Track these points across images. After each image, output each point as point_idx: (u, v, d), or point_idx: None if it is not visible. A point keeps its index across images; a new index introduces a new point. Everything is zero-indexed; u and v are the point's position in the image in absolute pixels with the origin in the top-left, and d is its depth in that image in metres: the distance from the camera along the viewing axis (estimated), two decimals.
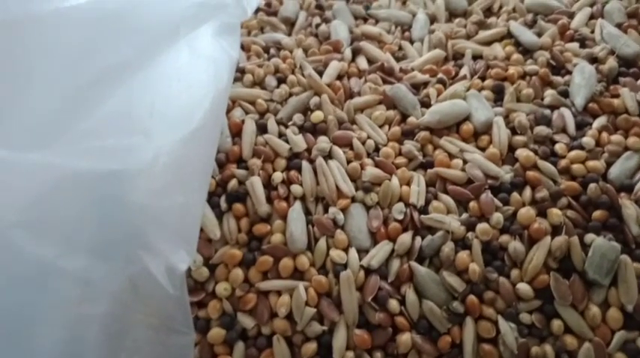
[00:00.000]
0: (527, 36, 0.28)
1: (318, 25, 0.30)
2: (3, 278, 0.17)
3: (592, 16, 0.30)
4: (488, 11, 0.31)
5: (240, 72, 0.27)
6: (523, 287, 0.21)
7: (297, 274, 0.23)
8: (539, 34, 0.29)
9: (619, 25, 0.29)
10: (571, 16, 0.30)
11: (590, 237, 0.22)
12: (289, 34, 0.30)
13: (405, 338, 0.22)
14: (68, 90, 0.20)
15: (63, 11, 0.22)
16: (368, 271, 0.22)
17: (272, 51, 0.29)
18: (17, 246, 0.17)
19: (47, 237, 0.18)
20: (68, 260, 0.18)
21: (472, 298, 0.22)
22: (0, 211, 0.17)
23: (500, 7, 0.31)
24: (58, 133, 0.19)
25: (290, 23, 0.31)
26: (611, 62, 0.27)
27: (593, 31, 0.29)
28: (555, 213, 0.22)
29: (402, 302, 0.22)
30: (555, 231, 0.22)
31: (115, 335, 0.19)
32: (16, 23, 0.21)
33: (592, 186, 0.23)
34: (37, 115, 0.19)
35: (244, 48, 0.29)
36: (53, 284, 0.17)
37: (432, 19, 0.30)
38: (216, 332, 0.22)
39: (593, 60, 0.27)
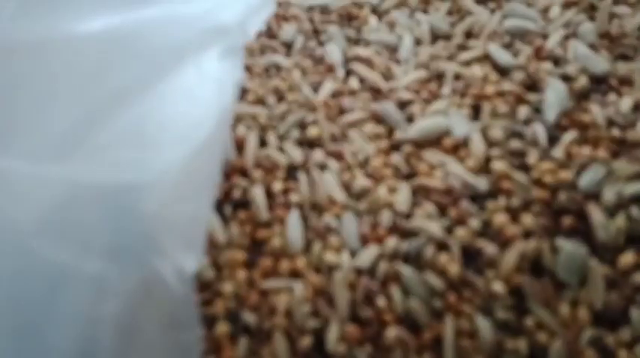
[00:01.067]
0: (504, 57, 0.29)
1: (314, 49, 0.31)
2: (23, 282, 0.17)
3: (566, 37, 0.30)
4: (469, 33, 0.32)
5: (243, 91, 0.28)
6: (498, 286, 0.22)
7: (295, 274, 0.23)
8: (516, 55, 0.29)
9: (591, 45, 0.29)
10: (546, 37, 0.30)
11: (560, 241, 0.22)
12: (288, 56, 0.31)
13: (392, 332, 0.22)
14: (84, 108, 0.21)
15: (80, 36, 0.23)
16: (358, 271, 0.23)
17: (272, 72, 0.30)
18: (37, 252, 0.18)
19: (65, 243, 0.18)
20: (84, 264, 0.19)
21: (452, 296, 0.22)
22: (22, 220, 0.17)
23: (481, 30, 0.32)
24: (74, 148, 0.20)
25: (289, 46, 0.32)
26: (582, 80, 0.27)
27: (566, 51, 0.30)
28: (527, 219, 0.23)
29: (389, 299, 0.23)
30: (527, 235, 0.23)
31: (127, 333, 0.19)
32: (38, 46, 0.21)
33: (562, 194, 0.23)
34: (55, 131, 0.20)
35: (247, 69, 0.30)
36: (70, 285, 0.18)
37: (418, 42, 0.31)
38: (222, 328, 0.23)
39: (566, 78, 0.28)
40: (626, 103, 0.26)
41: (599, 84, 0.27)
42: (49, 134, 0.19)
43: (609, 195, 0.23)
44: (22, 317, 0.17)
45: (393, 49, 0.31)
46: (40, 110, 0.20)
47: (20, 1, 0.20)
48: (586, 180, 0.24)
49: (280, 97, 0.28)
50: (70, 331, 0.18)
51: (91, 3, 0.23)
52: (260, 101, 0.28)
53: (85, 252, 0.18)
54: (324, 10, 0.34)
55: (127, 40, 0.23)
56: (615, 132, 0.25)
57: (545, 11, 0.32)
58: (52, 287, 0.18)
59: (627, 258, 0.22)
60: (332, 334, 0.22)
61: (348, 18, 0.34)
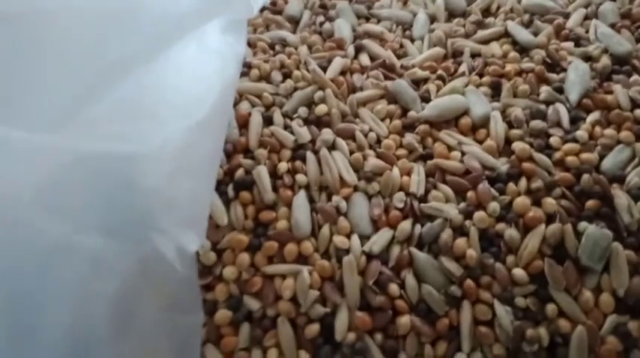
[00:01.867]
0: (523, 35, 0.29)
1: (322, 24, 0.31)
2: (20, 253, 0.17)
3: (587, 17, 0.30)
4: (486, 11, 0.31)
5: (247, 67, 0.28)
6: (518, 273, 0.22)
7: (302, 259, 0.23)
8: (536, 34, 0.29)
9: (612, 25, 0.29)
10: (567, 16, 0.30)
11: (583, 225, 0.22)
12: (294, 32, 0.31)
13: (405, 320, 0.22)
14: (83, 79, 0.21)
15: (76, 5, 0.22)
16: (369, 256, 0.23)
17: (277, 47, 0.29)
18: (33, 222, 0.17)
19: (61, 215, 0.18)
20: (80, 238, 0.18)
21: (469, 282, 0.22)
22: (18, 189, 0.17)
23: (498, 8, 0.31)
24: (73, 118, 0.19)
25: (295, 21, 0.32)
26: (605, 60, 0.27)
27: (587, 31, 0.29)
28: (549, 202, 0.23)
29: (402, 286, 0.22)
30: (550, 219, 0.22)
31: (124, 314, 0.19)
32: (34, 15, 0.21)
33: (585, 176, 0.23)
34: (52, 100, 0.19)
35: (250, 44, 0.30)
36: (66, 260, 0.18)
37: (432, 19, 0.31)
38: (223, 314, 0.22)
39: (588, 58, 0.28)
40: None
41: (622, 64, 0.27)
42: (47, 104, 0.19)
43: (634, 178, 0.23)
44: (15, 287, 0.17)
45: (406, 26, 0.31)
46: (39, 80, 0.19)
47: None
48: (610, 162, 0.24)
49: (286, 74, 0.28)
50: (64, 306, 0.17)
51: None
52: (265, 77, 0.28)
53: (80, 226, 0.18)
54: None
55: (127, 9, 0.22)
56: (639, 113, 0.25)
57: None
58: (46, 260, 0.17)
59: None
60: (341, 322, 0.22)
61: None
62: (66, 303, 0.18)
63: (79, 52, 0.21)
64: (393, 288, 0.22)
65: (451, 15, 0.31)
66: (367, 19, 0.32)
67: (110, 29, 0.23)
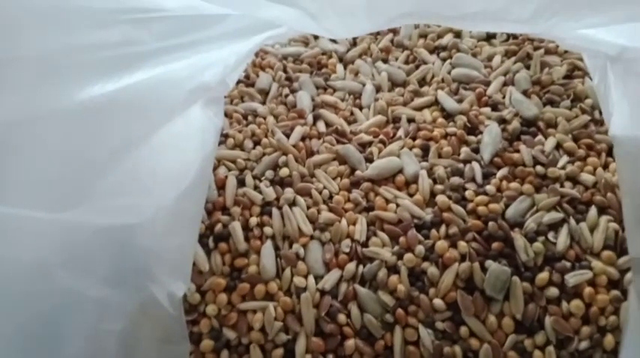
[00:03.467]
0: (449, 103, 0.35)
1: (287, 96, 0.37)
2: (45, 302, 0.23)
3: (505, 83, 0.37)
4: (422, 80, 0.38)
5: (224, 136, 0.34)
6: (438, 302, 0.28)
7: (268, 296, 0.29)
8: (460, 101, 0.35)
9: (524, 92, 0.36)
10: (488, 84, 0.37)
11: (488, 263, 0.28)
12: (264, 103, 0.37)
13: (350, 343, 0.28)
14: (89, 164, 0.27)
15: (82, 101, 0.29)
16: (322, 293, 0.29)
17: (249, 118, 0.36)
18: (55, 278, 0.23)
19: (78, 273, 0.24)
20: (93, 290, 0.24)
21: (400, 311, 0.28)
22: (46, 255, 0.23)
23: (433, 77, 0.38)
24: (83, 197, 0.25)
25: (265, 93, 0.38)
26: (515, 123, 0.34)
27: (504, 97, 0.36)
28: (462, 245, 0.29)
29: (348, 315, 0.28)
30: (462, 258, 0.29)
31: (128, 346, 0.25)
32: (50, 112, 0.27)
33: (491, 223, 0.29)
34: (67, 184, 0.25)
35: (227, 115, 0.36)
36: (82, 307, 0.24)
37: (378, 89, 0.37)
38: (207, 343, 0.28)
39: (502, 121, 0.34)
40: (549, 143, 0.32)
41: (529, 126, 0.34)
42: (62, 187, 0.25)
43: (531, 223, 0.29)
44: (39, 329, 0.23)
45: (356, 95, 0.37)
46: (54, 167, 0.25)
47: (36, 72, 0.26)
48: (512, 211, 0.30)
49: (256, 142, 0.34)
50: (80, 343, 0.23)
51: (89, 71, 0.29)
52: (239, 145, 0.34)
53: (92, 280, 0.24)
54: (297, 58, 0.41)
55: (124, 101, 0.28)
56: (539, 168, 0.31)
57: (489, 59, 0.38)
58: (65, 307, 0.23)
59: (543, 276, 0.28)
60: (300, 346, 0.28)
61: (318, 66, 0.40)
62: (81, 339, 0.24)
63: (85, 141, 0.27)
64: (341, 318, 0.28)
65: (394, 84, 0.38)
66: (325, 90, 0.38)
67: (110, 118, 0.29)
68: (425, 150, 0.33)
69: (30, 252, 0.23)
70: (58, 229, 0.24)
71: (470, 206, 0.30)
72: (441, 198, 0.30)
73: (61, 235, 0.24)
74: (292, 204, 0.31)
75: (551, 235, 0.29)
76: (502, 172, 0.31)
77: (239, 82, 0.39)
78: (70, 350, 0.24)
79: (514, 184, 0.31)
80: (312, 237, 0.30)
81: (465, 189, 0.31)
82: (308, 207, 0.31)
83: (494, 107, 0.35)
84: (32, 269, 0.23)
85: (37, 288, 0.23)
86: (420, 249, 0.29)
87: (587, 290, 0.28)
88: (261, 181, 0.32)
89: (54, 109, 0.27)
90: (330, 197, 0.32)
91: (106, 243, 0.25)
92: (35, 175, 0.25)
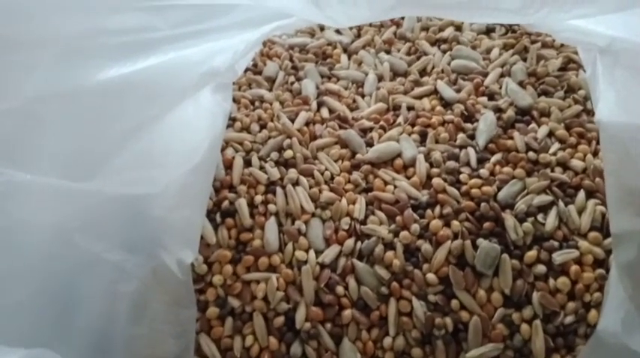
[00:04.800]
0: (448, 92, 0.37)
1: (292, 83, 0.39)
2: (65, 265, 0.25)
3: (502, 75, 0.38)
4: (423, 71, 0.40)
5: (232, 120, 0.36)
6: (431, 276, 0.30)
7: (271, 268, 0.31)
8: (459, 90, 0.37)
9: (520, 82, 0.37)
10: (485, 75, 0.38)
11: (479, 241, 0.30)
12: (270, 90, 0.39)
13: (347, 313, 0.30)
14: (108, 139, 0.29)
15: (101, 82, 0.31)
16: (322, 266, 0.31)
17: (257, 103, 0.38)
18: (76, 243, 0.25)
19: (95, 238, 0.26)
20: (109, 253, 0.26)
21: (395, 284, 0.30)
22: (69, 221, 0.25)
23: (433, 68, 0.40)
24: (102, 169, 0.27)
25: (272, 80, 0.40)
26: (510, 112, 0.35)
27: (501, 87, 0.38)
28: (456, 224, 0.31)
29: (346, 287, 0.30)
30: (455, 236, 0.30)
31: (139, 307, 0.27)
32: (71, 92, 0.29)
33: (483, 204, 0.31)
34: (88, 157, 0.28)
35: (235, 100, 0.38)
36: (98, 269, 0.26)
37: (380, 78, 0.39)
38: (212, 310, 0.30)
39: (498, 110, 0.36)
40: (542, 131, 0.34)
41: (524, 115, 0.35)
42: (82, 158, 0.27)
43: (521, 205, 0.31)
44: (60, 289, 0.25)
45: (359, 84, 0.39)
46: (74, 140, 0.28)
47: (59, 53, 0.28)
48: (504, 193, 0.32)
49: (262, 125, 0.36)
50: (96, 302, 0.25)
51: (108, 54, 0.31)
52: (246, 128, 0.36)
53: (109, 245, 0.26)
54: (303, 49, 0.43)
55: (139, 82, 0.31)
56: (531, 154, 0.33)
57: (487, 52, 0.40)
58: (83, 268, 0.25)
59: (532, 254, 0.30)
60: (300, 315, 0.30)
61: (323, 56, 0.42)
62: (97, 299, 0.26)
63: (104, 119, 0.30)
64: (339, 289, 0.30)
65: (395, 74, 0.40)
66: (329, 78, 0.40)
67: (126, 99, 0.31)
68: (423, 136, 0.35)
69: (51, 216, 0.26)
70: (77, 196, 0.26)
71: (464, 188, 0.32)
72: (436, 181, 0.32)
73: (79, 202, 0.26)
74: (295, 183, 0.33)
75: (540, 216, 0.31)
76: (496, 157, 0.33)
77: (247, 69, 0.41)
78: (86, 309, 0.26)
79: (507, 169, 0.33)
80: (313, 215, 0.32)
81: (460, 173, 0.33)
82: (310, 187, 0.33)
83: (491, 97, 0.37)
84: (53, 233, 0.25)
85: (57, 250, 0.25)
86: (415, 227, 0.31)
87: (574, 268, 0.29)
88: (266, 162, 0.34)
89: (75, 88, 0.29)
90: (332, 178, 0.34)
91: (121, 211, 0.27)
92: (57, 147, 0.27)
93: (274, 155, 0.34)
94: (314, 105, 0.37)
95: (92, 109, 0.28)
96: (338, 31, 0.44)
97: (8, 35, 0.30)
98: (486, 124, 0.34)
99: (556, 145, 0.33)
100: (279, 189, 0.33)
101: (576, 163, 0.32)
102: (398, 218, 0.31)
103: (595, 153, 0.33)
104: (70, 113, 0.28)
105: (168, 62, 0.33)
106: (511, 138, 0.34)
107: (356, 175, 0.33)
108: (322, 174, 0.34)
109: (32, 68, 0.29)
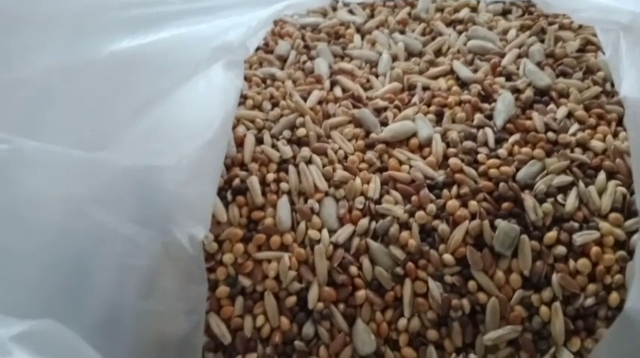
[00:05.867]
0: (464, 72, 0.36)
1: (304, 62, 0.38)
2: (79, 234, 0.25)
3: (519, 56, 0.38)
4: (438, 51, 0.39)
5: (244, 97, 0.36)
6: (447, 257, 0.29)
7: (283, 247, 0.30)
8: (475, 71, 0.37)
9: (538, 63, 0.37)
10: (502, 55, 0.38)
11: (498, 221, 0.30)
12: (282, 69, 0.39)
13: (361, 293, 0.29)
14: (121, 111, 0.29)
15: (115, 54, 0.30)
16: (335, 245, 0.30)
17: (268, 82, 0.37)
18: (88, 214, 0.25)
19: (108, 210, 0.26)
20: (122, 227, 0.26)
21: (410, 264, 0.29)
22: (81, 191, 0.25)
23: (449, 48, 0.39)
24: (115, 140, 0.27)
25: (283, 60, 0.39)
26: (528, 92, 0.35)
27: (518, 68, 0.37)
28: (473, 204, 0.30)
29: (360, 267, 0.30)
30: (473, 217, 0.30)
31: (150, 281, 0.26)
32: (87, 63, 0.29)
33: (502, 184, 0.30)
34: (101, 128, 0.27)
35: (247, 79, 0.37)
36: (111, 242, 0.25)
37: (394, 58, 0.39)
38: (223, 289, 0.30)
39: (515, 90, 0.35)
40: (561, 112, 0.33)
41: (542, 96, 0.35)
42: (95, 130, 0.26)
43: (541, 186, 0.30)
44: (72, 259, 0.24)
45: (373, 64, 0.39)
46: (88, 111, 0.27)
47: (72, 27, 0.28)
48: (523, 173, 0.31)
49: (275, 103, 0.35)
50: (108, 275, 0.25)
51: (119, 28, 0.31)
52: (257, 106, 0.35)
53: (121, 218, 0.25)
54: (315, 28, 0.42)
55: (152, 56, 0.30)
56: (550, 135, 0.32)
57: (504, 33, 0.39)
58: (96, 241, 0.25)
59: (552, 235, 0.29)
60: (312, 295, 0.29)
61: (335, 36, 0.41)
62: (109, 271, 0.25)
63: (118, 91, 0.29)
64: (353, 269, 0.30)
65: (410, 54, 0.39)
66: (342, 58, 0.39)
67: (144, 73, 0.31)
68: (439, 116, 0.34)
69: (66, 188, 0.25)
70: (89, 168, 0.25)
71: (482, 168, 0.31)
72: (453, 161, 0.32)
73: (93, 174, 0.26)
74: (308, 162, 0.32)
75: (560, 197, 0.30)
76: (514, 138, 0.33)
77: (258, 48, 0.40)
78: (98, 281, 0.25)
79: (525, 149, 0.32)
80: (326, 194, 0.32)
81: (478, 153, 0.32)
82: (324, 166, 0.32)
83: (509, 77, 0.36)
84: (67, 204, 0.25)
85: (69, 222, 0.25)
86: (431, 207, 0.30)
87: (594, 249, 0.29)
88: (278, 140, 0.33)
89: (88, 60, 0.29)
90: (346, 157, 0.33)
91: (133, 185, 0.26)
92: (72, 118, 0.27)
93: (287, 133, 0.34)
94: (327, 84, 0.37)
95: (103, 82, 0.28)
96: (351, 11, 0.43)
97: (20, 12, 0.30)
98: (504, 104, 0.34)
99: (575, 126, 0.33)
100: (291, 168, 0.32)
101: (596, 144, 0.32)
102: (414, 198, 0.31)
103: (615, 135, 0.32)
104: (81, 86, 0.27)
105: (180, 36, 0.32)
106: (529, 118, 0.34)
107: (370, 154, 0.33)
108: (336, 152, 0.33)
109: (44, 43, 0.29)
